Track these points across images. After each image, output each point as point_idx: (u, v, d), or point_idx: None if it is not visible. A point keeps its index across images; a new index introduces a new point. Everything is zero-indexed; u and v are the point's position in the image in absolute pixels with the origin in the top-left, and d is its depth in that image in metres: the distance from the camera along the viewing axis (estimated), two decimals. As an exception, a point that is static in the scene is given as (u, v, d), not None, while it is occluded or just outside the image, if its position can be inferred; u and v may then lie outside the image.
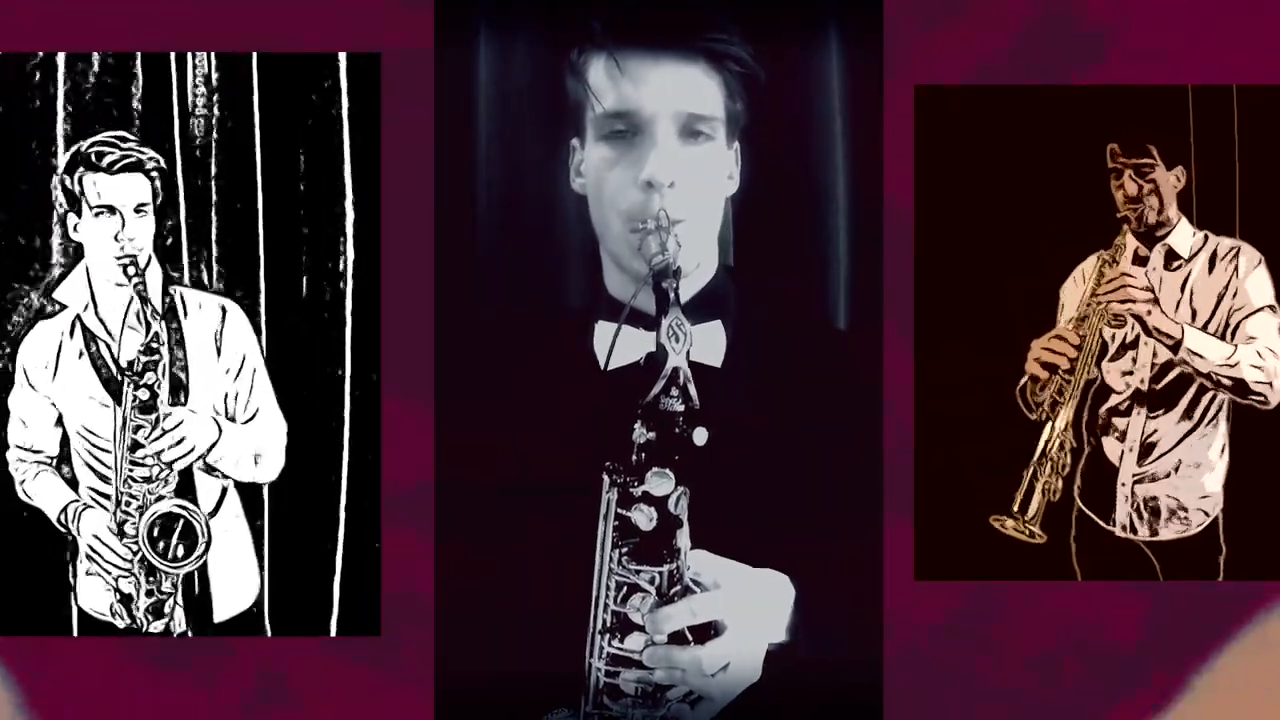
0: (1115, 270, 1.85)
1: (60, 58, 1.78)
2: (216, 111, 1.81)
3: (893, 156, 1.82)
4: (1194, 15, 1.81)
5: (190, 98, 1.80)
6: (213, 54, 1.81)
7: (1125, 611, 1.82)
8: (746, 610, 1.49)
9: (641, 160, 1.60)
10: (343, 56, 1.81)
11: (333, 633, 1.82)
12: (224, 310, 1.81)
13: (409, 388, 1.80)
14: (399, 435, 1.80)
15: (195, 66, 1.81)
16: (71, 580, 1.80)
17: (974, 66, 1.82)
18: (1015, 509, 1.84)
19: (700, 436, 1.42)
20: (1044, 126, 1.82)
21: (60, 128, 1.79)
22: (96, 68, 1.79)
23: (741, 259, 1.79)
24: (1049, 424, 1.85)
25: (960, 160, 1.83)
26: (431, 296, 1.80)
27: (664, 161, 1.59)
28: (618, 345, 1.55)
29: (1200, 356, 1.82)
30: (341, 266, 1.82)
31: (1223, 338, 1.83)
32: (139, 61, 1.80)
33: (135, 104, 1.80)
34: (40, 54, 1.78)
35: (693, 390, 1.42)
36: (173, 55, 1.80)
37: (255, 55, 1.81)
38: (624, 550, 1.46)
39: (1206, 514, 1.85)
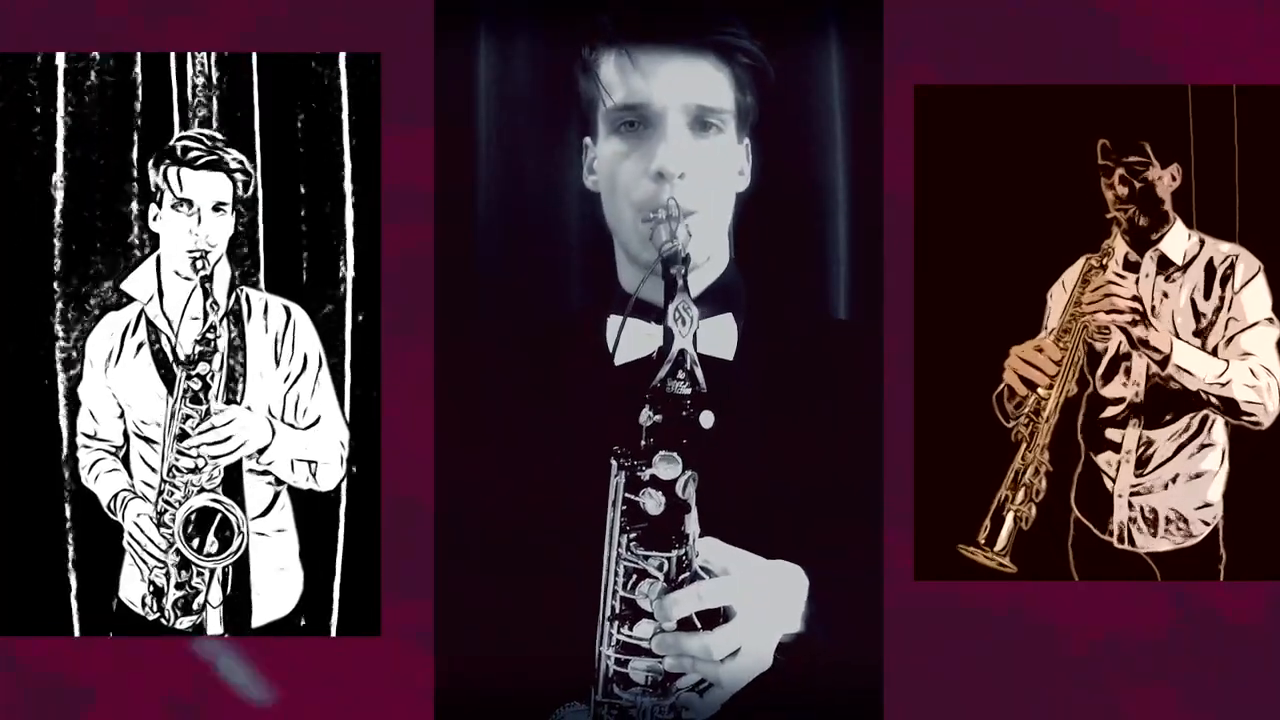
0: (1102, 277, 1.81)
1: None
2: (216, 111, 1.81)
3: (893, 155, 1.82)
4: (1194, 15, 1.81)
5: (190, 98, 1.81)
6: (213, 54, 1.81)
7: (1125, 611, 1.82)
8: (756, 597, 1.49)
9: (652, 152, 1.61)
10: (343, 56, 1.81)
11: (333, 633, 1.82)
12: (288, 313, 1.81)
13: (410, 386, 1.80)
14: (400, 439, 1.80)
15: (195, 66, 1.81)
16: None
17: (974, 66, 1.82)
18: (983, 540, 1.80)
19: (707, 419, 1.42)
20: (1043, 125, 1.82)
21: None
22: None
23: (746, 253, 1.79)
24: (1022, 447, 1.81)
25: (960, 159, 1.83)
26: (432, 296, 1.81)
27: (674, 153, 1.61)
28: (629, 339, 1.57)
29: (1189, 373, 1.79)
30: (341, 266, 1.82)
31: (1218, 352, 1.81)
32: (139, 61, 1.81)
33: (137, 104, 1.80)
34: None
35: (699, 373, 1.43)
36: (173, 55, 1.81)
37: (255, 55, 1.81)
38: (632, 536, 1.46)
39: (1206, 523, 1.83)
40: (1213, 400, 1.80)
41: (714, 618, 1.46)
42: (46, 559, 1.80)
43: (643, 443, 1.44)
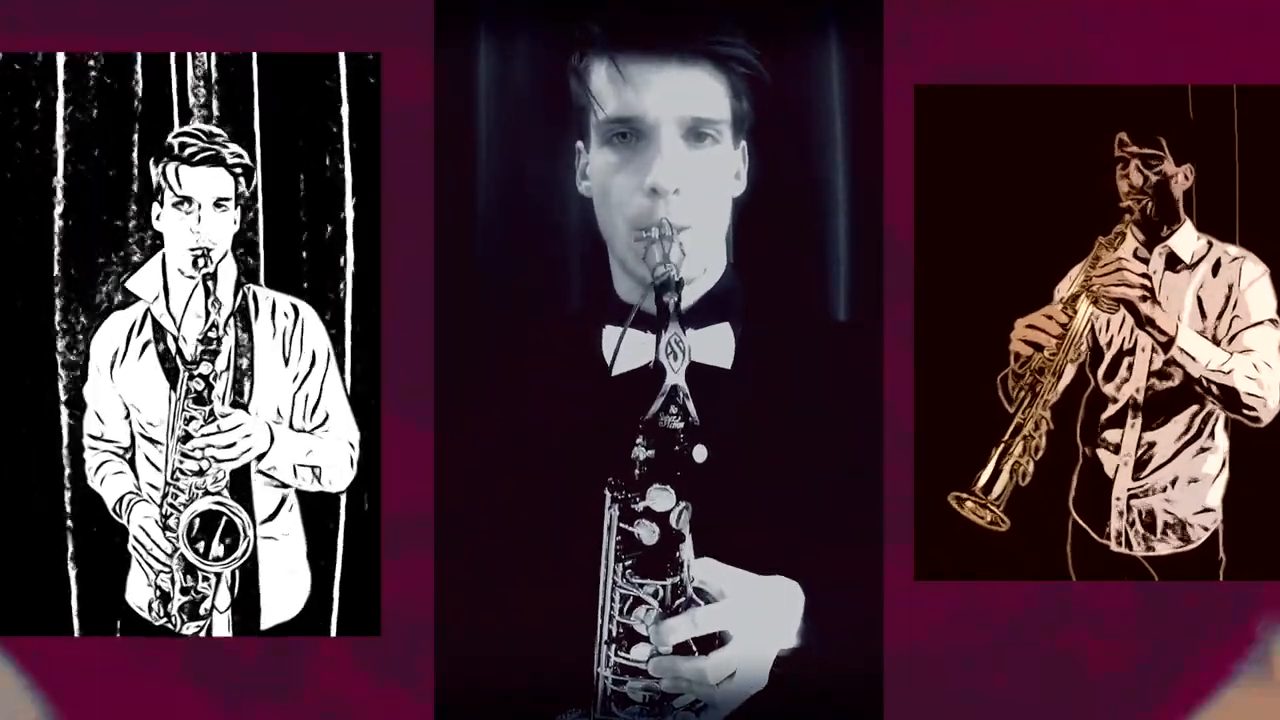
0: (1112, 255, 1.81)
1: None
2: (216, 111, 1.80)
3: (893, 156, 1.82)
4: (1194, 15, 1.81)
5: (190, 98, 1.80)
6: (213, 54, 1.81)
7: (1124, 612, 1.82)
8: (753, 619, 1.49)
9: (646, 166, 1.59)
10: (343, 56, 1.81)
11: (333, 633, 1.82)
12: (297, 311, 1.81)
13: (409, 391, 1.80)
14: (400, 440, 1.80)
15: (195, 66, 1.81)
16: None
17: (974, 66, 1.82)
18: (979, 487, 1.79)
19: (700, 454, 1.42)
20: (1043, 126, 1.82)
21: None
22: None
23: (744, 258, 1.79)
24: (1024, 399, 1.80)
25: (960, 159, 1.83)
26: (432, 298, 1.80)
27: (669, 167, 1.58)
28: (626, 349, 1.55)
29: (1192, 358, 1.79)
30: (341, 267, 1.82)
31: (1220, 346, 1.80)
32: (139, 61, 1.80)
33: (136, 103, 1.80)
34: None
35: (691, 407, 1.42)
36: (173, 55, 1.80)
37: (255, 55, 1.81)
38: (627, 564, 1.47)
39: (1206, 528, 1.83)
40: (1213, 390, 1.79)
41: (710, 642, 1.47)
42: (47, 559, 1.80)
43: (635, 474, 1.44)
